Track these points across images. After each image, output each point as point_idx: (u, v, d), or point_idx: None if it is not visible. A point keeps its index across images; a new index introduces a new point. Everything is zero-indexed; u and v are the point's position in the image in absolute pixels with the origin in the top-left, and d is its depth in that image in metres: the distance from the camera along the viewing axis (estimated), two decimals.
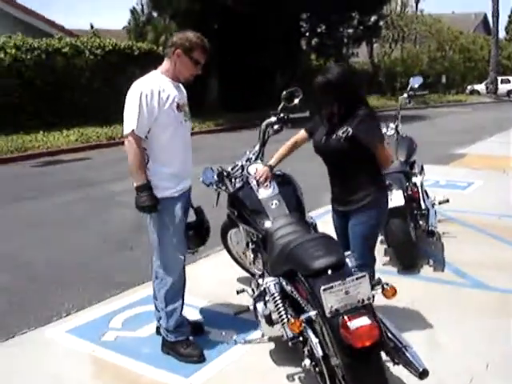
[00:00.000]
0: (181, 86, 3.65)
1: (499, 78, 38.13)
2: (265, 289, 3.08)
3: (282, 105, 3.98)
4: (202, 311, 4.32)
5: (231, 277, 4.82)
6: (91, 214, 7.51)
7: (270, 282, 3.03)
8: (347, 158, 3.40)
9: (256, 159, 3.92)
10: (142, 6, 20.31)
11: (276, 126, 4.00)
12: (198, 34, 3.45)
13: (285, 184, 3.69)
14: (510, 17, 57.31)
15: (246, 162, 3.90)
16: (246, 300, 3.80)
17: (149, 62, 18.49)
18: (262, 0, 19.18)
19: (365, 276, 2.54)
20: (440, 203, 6.01)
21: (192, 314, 4.20)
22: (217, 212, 4.06)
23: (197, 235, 3.78)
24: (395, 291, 2.66)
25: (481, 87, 39.82)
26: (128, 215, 6.55)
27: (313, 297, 2.62)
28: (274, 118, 3.99)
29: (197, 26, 18.12)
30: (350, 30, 25.34)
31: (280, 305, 2.95)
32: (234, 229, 4.29)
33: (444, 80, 38.07)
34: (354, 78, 3.49)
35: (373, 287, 2.69)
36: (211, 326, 4.03)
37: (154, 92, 3.35)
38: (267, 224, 3.38)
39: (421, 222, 5.31)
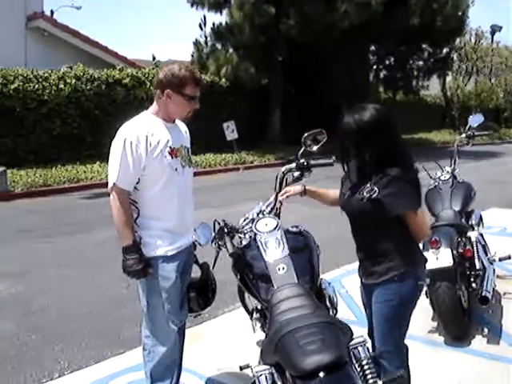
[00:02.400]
0: (179, 125, 3.17)
1: None
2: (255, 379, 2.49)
3: (302, 149, 3.43)
4: (206, 382, 3.78)
5: (250, 340, 4.25)
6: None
7: (260, 372, 2.42)
8: (370, 221, 2.78)
9: (270, 212, 3.37)
10: (206, 37, 20.27)
11: (296, 174, 3.45)
12: (185, 65, 2.96)
13: (298, 244, 3.09)
14: None
15: (258, 215, 3.35)
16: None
17: (210, 93, 18.74)
18: (328, 31, 18.75)
19: None
20: (500, 260, 5.24)
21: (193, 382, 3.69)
22: None
23: (200, 296, 3.26)
24: None
25: None
26: None
27: None
28: (293, 165, 3.44)
29: (260, 58, 18.11)
30: (421, 62, 24.51)
31: None
32: None
33: None
34: (391, 125, 2.81)
35: None
36: None
37: (140, 138, 2.89)
38: (270, 294, 2.81)
39: (474, 285, 4.56)
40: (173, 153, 2.99)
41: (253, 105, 20.12)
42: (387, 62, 24.30)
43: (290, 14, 18.58)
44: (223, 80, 19.51)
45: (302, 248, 3.08)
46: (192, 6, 19.73)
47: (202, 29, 20.65)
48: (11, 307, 5.29)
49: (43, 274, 6.35)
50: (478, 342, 4.32)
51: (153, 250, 2.98)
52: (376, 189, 2.67)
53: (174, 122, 3.10)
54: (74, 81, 15.05)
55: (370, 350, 2.45)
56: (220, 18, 30.81)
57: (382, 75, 24.85)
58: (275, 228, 3.11)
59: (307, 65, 20.00)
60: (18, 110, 14.00)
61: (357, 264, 3.00)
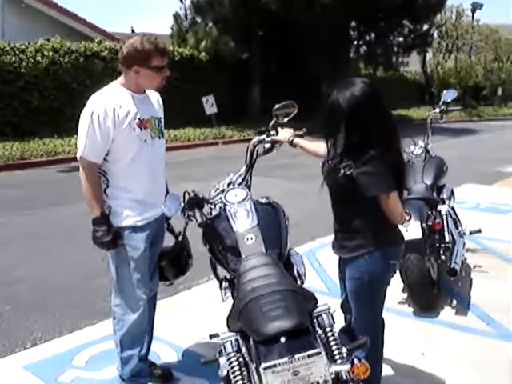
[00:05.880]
0: (150, 96, 3.17)
1: None
2: (221, 345, 2.53)
3: (273, 121, 3.46)
4: (179, 352, 3.83)
5: (224, 310, 4.30)
6: None
7: (226, 339, 2.47)
8: (345, 196, 2.77)
9: (241, 183, 3.39)
10: (186, 11, 20.04)
11: (267, 145, 3.48)
12: (146, 37, 2.94)
13: (267, 214, 3.12)
14: None
15: (228, 186, 3.38)
16: None
17: (189, 67, 18.56)
18: (309, 7, 18.62)
19: (319, 353, 1.99)
20: (471, 233, 5.35)
21: (165, 353, 3.76)
22: None
23: (173, 264, 3.30)
24: (367, 369, 2.10)
25: None
26: None
27: (258, 372, 2.08)
28: (263, 136, 3.47)
29: (240, 31, 17.93)
30: (401, 39, 24.47)
31: (236, 368, 2.34)
32: None
33: (500, 92, 36.62)
34: (379, 101, 2.71)
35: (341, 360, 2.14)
36: (184, 372, 3.54)
37: (107, 110, 2.90)
38: (238, 263, 2.85)
39: (443, 257, 4.65)
40: (142, 124, 2.99)
41: (233, 79, 20.00)
42: (367, 38, 24.18)
43: None
44: (203, 54, 19.35)
45: (270, 218, 3.12)
46: None
47: (181, 1, 20.45)
48: None
49: (21, 246, 6.34)
50: (447, 313, 4.43)
51: (122, 220, 3.00)
52: (353, 165, 2.64)
53: (143, 92, 3.11)
54: (51, 53, 14.81)
55: (335, 318, 2.50)
56: None
57: (362, 51, 24.74)
58: (244, 199, 3.13)
59: (288, 40, 19.89)
60: None
61: (331, 237, 3.03)
